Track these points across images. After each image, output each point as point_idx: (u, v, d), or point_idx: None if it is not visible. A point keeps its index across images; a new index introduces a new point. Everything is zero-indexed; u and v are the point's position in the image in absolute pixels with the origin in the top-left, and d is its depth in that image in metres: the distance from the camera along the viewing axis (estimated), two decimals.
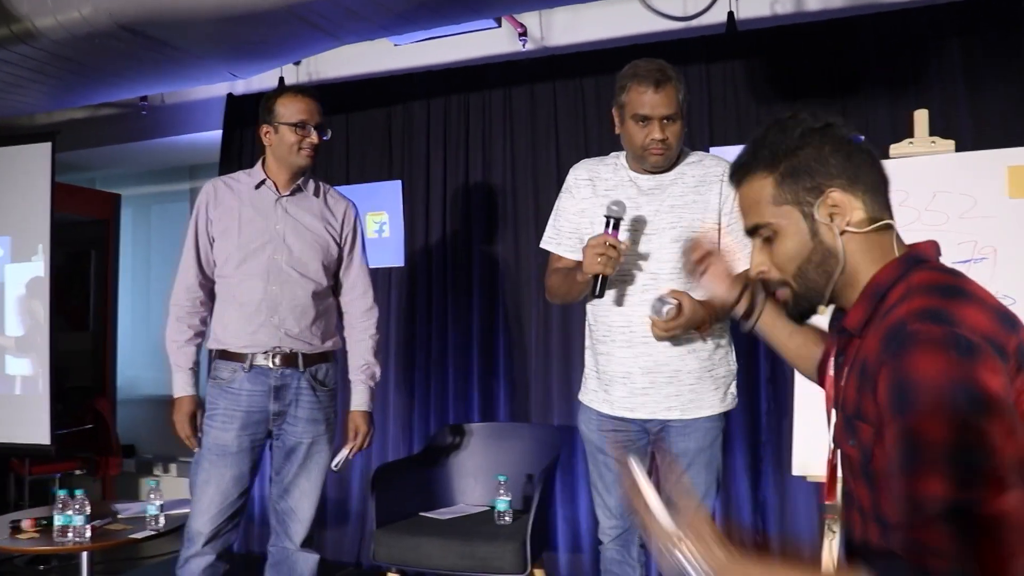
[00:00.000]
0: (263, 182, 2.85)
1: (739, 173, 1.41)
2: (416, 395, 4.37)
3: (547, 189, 4.17)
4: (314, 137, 2.82)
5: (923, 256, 1.33)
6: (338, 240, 2.91)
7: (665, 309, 2.26)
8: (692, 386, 2.48)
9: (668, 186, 2.50)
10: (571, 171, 2.68)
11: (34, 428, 4.56)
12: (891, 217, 1.36)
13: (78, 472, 5.31)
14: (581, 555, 4.02)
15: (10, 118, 4.61)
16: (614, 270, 2.36)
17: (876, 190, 1.35)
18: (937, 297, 1.22)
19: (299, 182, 2.88)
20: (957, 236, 2.67)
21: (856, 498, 1.33)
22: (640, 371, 2.49)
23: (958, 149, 2.81)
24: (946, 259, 2.59)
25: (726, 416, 2.56)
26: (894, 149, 2.85)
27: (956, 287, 1.25)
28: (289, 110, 2.81)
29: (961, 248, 2.66)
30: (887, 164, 2.76)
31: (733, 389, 2.57)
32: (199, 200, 2.87)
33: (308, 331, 2.81)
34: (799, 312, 1.42)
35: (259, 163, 2.90)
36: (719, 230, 2.46)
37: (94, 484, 5.55)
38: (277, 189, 2.85)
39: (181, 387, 2.79)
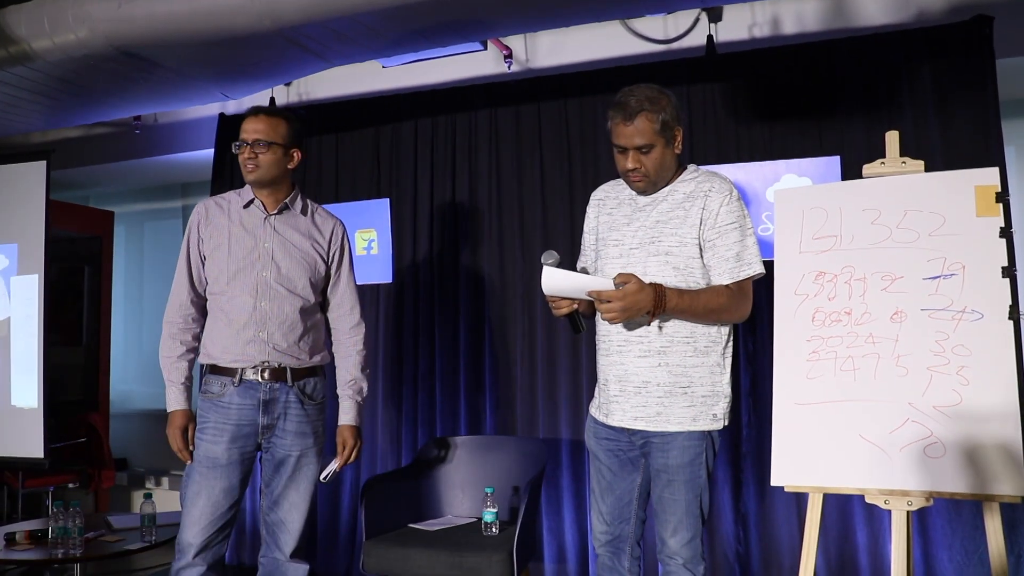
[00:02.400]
0: (252, 201, 2.88)
1: None
2: (404, 409, 4.39)
3: (532, 207, 4.21)
4: (246, 152, 2.81)
5: None
6: (325, 258, 2.94)
7: (544, 255, 2.40)
8: (660, 399, 2.48)
9: (659, 203, 2.54)
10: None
11: (28, 441, 4.54)
12: None
13: (71, 485, 5.30)
14: (566, 565, 4.03)
15: (6, 137, 4.62)
16: (572, 309, 2.45)
17: None
18: None
19: (286, 200, 2.90)
20: (927, 253, 2.73)
21: None
22: (614, 379, 2.55)
23: (928, 169, 2.87)
24: (917, 275, 2.66)
25: (710, 436, 2.51)
26: (867, 169, 2.91)
27: None
28: (241, 131, 2.85)
29: (931, 264, 2.71)
30: (862, 183, 2.84)
31: (718, 411, 2.51)
32: (191, 220, 2.90)
33: (296, 346, 2.83)
34: None
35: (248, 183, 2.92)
36: (700, 245, 2.48)
37: (87, 497, 5.54)
38: (265, 208, 2.88)
39: (174, 401, 2.80)
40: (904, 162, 2.87)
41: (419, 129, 4.49)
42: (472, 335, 4.30)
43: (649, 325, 2.46)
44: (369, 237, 4.52)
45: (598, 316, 2.59)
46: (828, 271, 2.87)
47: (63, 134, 5.42)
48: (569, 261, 2.73)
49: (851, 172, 3.52)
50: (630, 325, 2.50)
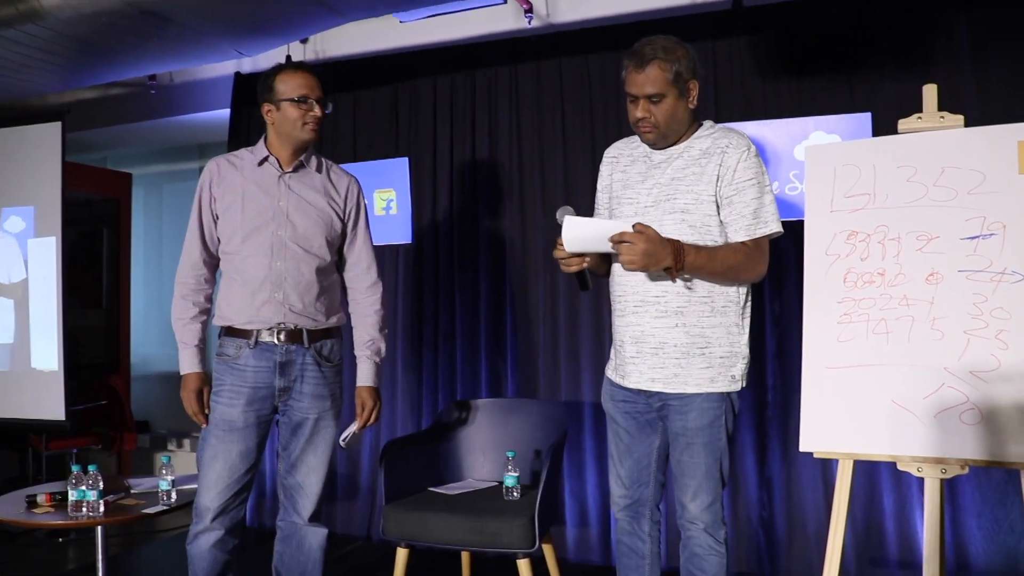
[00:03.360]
0: (266, 159, 2.80)
1: None
2: (424, 371, 4.34)
3: (552, 165, 4.12)
4: (317, 110, 2.77)
5: None
6: (341, 216, 2.86)
7: (559, 212, 2.40)
8: (677, 360, 2.44)
9: (675, 159, 2.49)
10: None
11: (49, 404, 4.55)
12: None
13: (93, 448, 5.32)
14: (588, 529, 3.99)
15: (21, 99, 4.55)
16: (581, 267, 2.43)
17: None
18: None
19: (302, 158, 2.82)
20: (965, 212, 2.60)
21: None
22: (630, 340, 2.51)
23: (966, 125, 2.74)
24: (954, 234, 2.55)
25: (729, 398, 2.47)
26: (903, 124, 2.78)
27: None
28: (289, 86, 2.75)
29: (970, 224, 2.59)
30: (896, 139, 2.72)
31: (736, 372, 2.47)
32: (202, 178, 2.82)
33: (312, 307, 2.77)
34: None
35: (261, 140, 2.85)
36: (716, 202, 2.42)
37: (109, 459, 5.56)
38: (280, 166, 2.80)
39: (188, 364, 2.75)
40: (942, 117, 2.73)
41: (438, 87, 4.39)
42: (493, 296, 4.24)
43: (674, 282, 2.39)
44: (388, 197, 4.44)
45: (614, 276, 2.56)
46: (861, 231, 2.75)
47: (78, 95, 5.36)
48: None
49: (882, 129, 3.39)
50: (647, 284, 2.45)
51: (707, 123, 2.54)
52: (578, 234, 2.36)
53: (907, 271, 2.65)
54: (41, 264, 4.63)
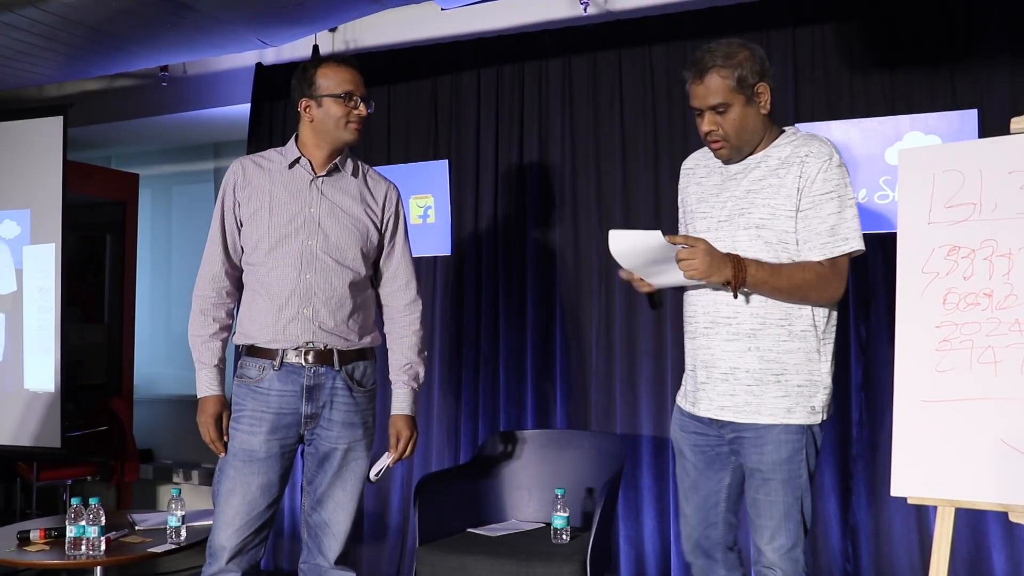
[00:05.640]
0: (297, 160, 2.85)
1: None
2: (463, 397, 4.37)
3: (609, 168, 4.15)
4: (362, 109, 2.83)
5: None
6: (379, 225, 2.91)
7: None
8: (750, 387, 2.48)
9: (751, 170, 2.54)
10: None
11: (43, 429, 4.63)
12: None
13: (90, 479, 5.40)
14: None
15: (20, 89, 4.68)
16: (648, 289, 2.54)
17: None
18: None
19: (336, 161, 2.87)
20: None
21: None
22: (700, 364, 2.58)
23: None
24: None
25: (811, 431, 2.50)
26: (1015, 123, 2.76)
27: None
28: (333, 81, 2.81)
29: None
30: (1008, 140, 2.70)
31: (817, 403, 2.50)
32: (226, 180, 2.87)
33: (344, 325, 2.80)
34: None
35: (292, 140, 2.89)
36: (795, 215, 2.47)
37: (108, 491, 5.65)
38: (313, 169, 2.85)
39: (206, 386, 2.79)
40: None
41: (482, 80, 4.44)
42: (541, 314, 4.26)
43: (736, 297, 2.45)
44: (425, 204, 4.49)
45: (685, 297, 2.64)
46: (964, 245, 2.73)
47: (81, 87, 5.49)
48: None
49: (991, 128, 3.38)
50: (718, 304, 2.52)
51: (790, 129, 2.58)
52: (625, 247, 2.43)
53: (1019, 292, 2.63)
54: (38, 273, 4.72)
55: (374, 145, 4.65)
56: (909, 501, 2.68)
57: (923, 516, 3.55)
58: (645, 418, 4.00)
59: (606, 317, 4.13)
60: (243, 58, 5.04)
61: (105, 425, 5.51)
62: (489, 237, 4.38)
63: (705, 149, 2.68)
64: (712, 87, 2.44)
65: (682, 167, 2.78)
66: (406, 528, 4.38)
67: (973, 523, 3.51)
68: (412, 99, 4.60)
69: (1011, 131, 2.75)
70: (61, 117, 4.72)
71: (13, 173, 4.81)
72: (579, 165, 4.23)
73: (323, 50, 4.77)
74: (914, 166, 2.87)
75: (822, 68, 3.83)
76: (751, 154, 2.55)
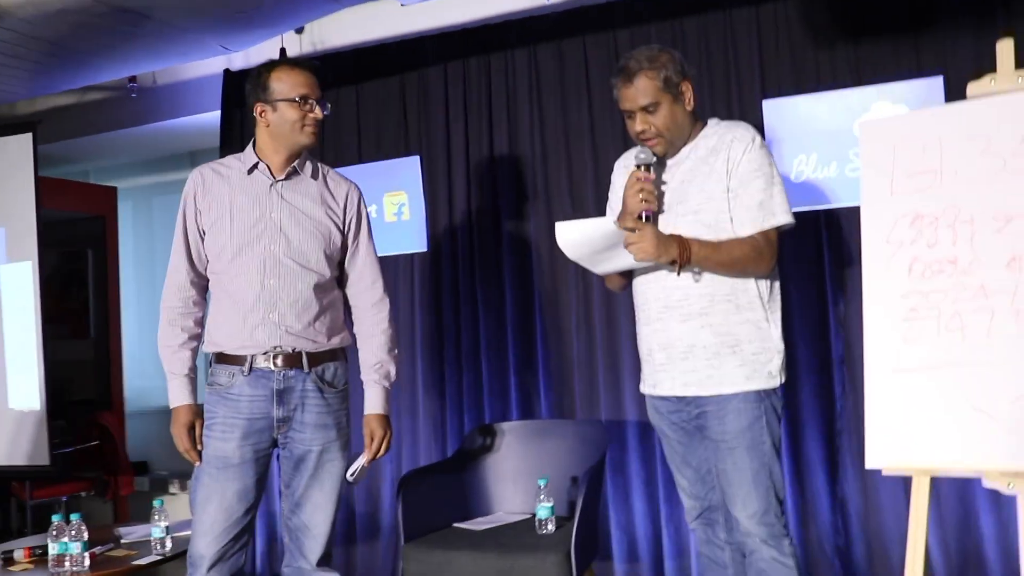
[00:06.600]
0: (256, 166, 2.85)
1: None
2: (448, 393, 4.36)
3: (580, 156, 4.14)
4: (318, 112, 2.83)
5: None
6: (341, 226, 2.90)
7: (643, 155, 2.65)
8: (708, 361, 2.63)
9: (683, 162, 2.72)
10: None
11: (31, 448, 4.63)
12: None
13: (84, 494, 5.40)
14: (639, 564, 3.99)
15: None
16: (656, 205, 2.64)
17: None
18: None
19: (295, 164, 2.87)
20: None
21: None
22: (658, 347, 2.73)
23: None
24: None
25: (769, 399, 2.65)
26: (972, 88, 2.74)
27: None
28: (286, 84, 2.80)
29: None
30: (965, 106, 2.69)
31: (773, 368, 2.65)
32: (186, 190, 2.87)
33: (312, 328, 2.80)
34: None
35: (250, 145, 2.89)
36: (727, 196, 2.63)
37: (104, 506, 5.65)
38: (272, 173, 2.85)
39: (177, 396, 2.80)
40: (1021, 78, 2.71)
41: (448, 75, 4.43)
42: (520, 306, 4.26)
43: (679, 276, 2.61)
44: (399, 200, 4.49)
45: (635, 286, 2.81)
46: (927, 213, 2.72)
47: (53, 102, 5.47)
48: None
49: (956, 93, 3.34)
50: (668, 289, 2.67)
51: (712, 121, 2.77)
52: (573, 238, 2.60)
53: (983, 257, 2.62)
54: (16, 292, 4.71)
55: (345, 144, 4.63)
56: (884, 472, 2.67)
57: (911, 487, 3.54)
58: (629, 403, 3.99)
59: (584, 304, 4.12)
60: (212, 64, 5.01)
61: (96, 440, 5.51)
62: (464, 231, 4.37)
63: (640, 147, 2.77)
64: (641, 88, 2.63)
65: (616, 164, 2.96)
66: (399, 526, 4.37)
67: (960, 490, 3.51)
68: (381, 96, 4.58)
69: (968, 96, 2.74)
70: (31, 134, 4.71)
71: None
72: (550, 153, 4.22)
73: (290, 52, 4.76)
74: (875, 137, 2.86)
75: (787, 42, 3.82)
76: (681, 148, 2.73)
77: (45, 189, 4.80)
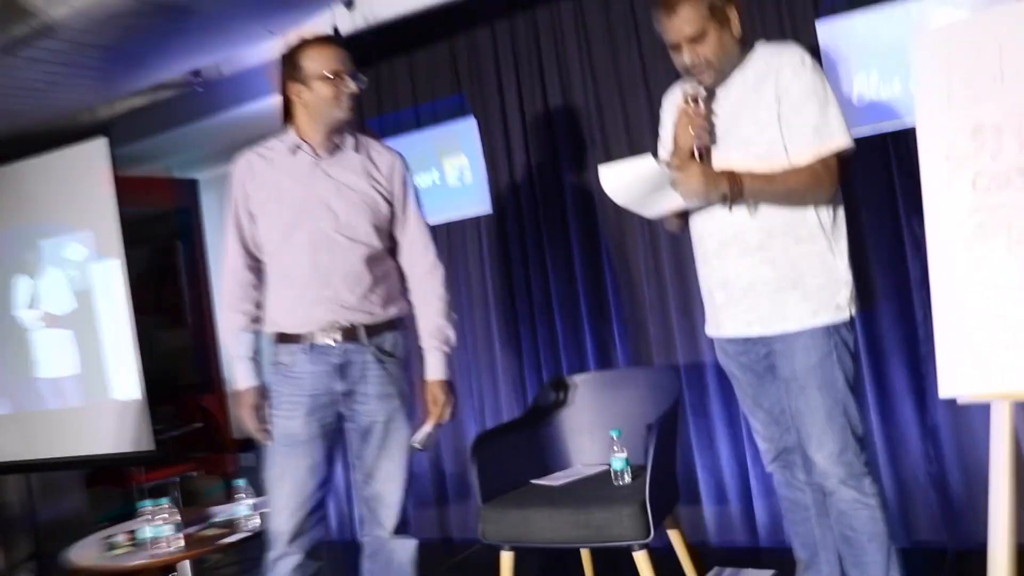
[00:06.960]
0: (298, 146, 2.86)
1: None
2: (523, 350, 4.37)
3: (635, 101, 4.06)
4: (352, 86, 2.81)
5: None
6: (388, 197, 2.89)
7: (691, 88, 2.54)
8: (771, 297, 2.53)
9: (732, 91, 2.59)
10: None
11: (136, 435, 4.79)
12: None
13: (195, 474, 5.58)
14: (728, 507, 3.94)
15: (67, 115, 4.79)
16: (708, 139, 2.53)
17: None
18: None
19: (336, 140, 2.86)
20: None
21: None
22: (717, 286, 2.65)
23: None
24: None
25: (839, 333, 2.52)
26: None
27: None
28: (318, 62, 2.80)
29: None
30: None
31: (841, 300, 2.52)
32: (234, 176, 2.90)
33: (366, 300, 2.81)
34: None
35: (290, 126, 2.90)
36: (779, 123, 2.49)
37: (216, 484, 5.83)
38: (314, 151, 2.85)
39: (242, 378, 2.85)
40: None
41: (496, 34, 4.39)
42: (588, 257, 4.23)
43: (731, 211, 2.50)
44: (460, 164, 4.47)
45: (691, 224, 2.72)
46: (988, 123, 2.57)
47: (128, 104, 5.57)
48: None
49: None
50: (723, 224, 2.57)
51: (760, 43, 2.61)
52: (618, 183, 2.48)
53: None
54: (108, 290, 4.87)
55: (401, 112, 4.63)
56: (959, 401, 2.56)
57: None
58: (706, 346, 3.91)
59: (652, 249, 4.06)
60: (272, 49, 5.05)
61: (200, 422, 5.69)
62: (526, 188, 4.34)
63: (685, 79, 2.65)
64: (685, 17, 2.47)
65: (664, 99, 2.83)
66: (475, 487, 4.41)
67: None
68: (432, 62, 4.57)
69: None
70: (105, 138, 4.82)
71: (70, 198, 4.95)
72: (604, 101, 4.14)
73: (342, 28, 4.74)
74: (927, 48, 2.72)
75: None
76: (729, 76, 2.58)
77: (128, 188, 4.93)
